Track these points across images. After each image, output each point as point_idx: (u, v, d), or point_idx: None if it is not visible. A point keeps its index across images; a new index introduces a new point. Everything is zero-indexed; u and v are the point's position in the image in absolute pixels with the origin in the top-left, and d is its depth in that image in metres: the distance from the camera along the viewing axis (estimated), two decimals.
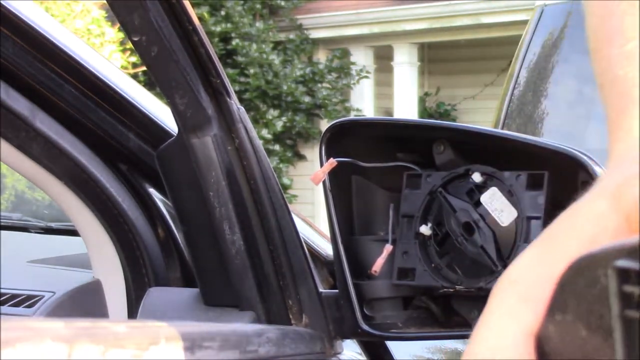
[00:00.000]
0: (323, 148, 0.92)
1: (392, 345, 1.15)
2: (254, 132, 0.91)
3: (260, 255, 0.91)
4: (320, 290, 0.93)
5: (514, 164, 0.83)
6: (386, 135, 0.92)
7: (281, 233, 0.91)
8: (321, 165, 0.91)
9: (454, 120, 10.51)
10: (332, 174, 0.90)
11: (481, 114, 9.89)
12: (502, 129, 2.89)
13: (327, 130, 0.94)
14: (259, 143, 0.92)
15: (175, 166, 0.94)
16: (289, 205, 0.93)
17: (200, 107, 0.88)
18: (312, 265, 0.93)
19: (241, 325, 0.66)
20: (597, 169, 0.78)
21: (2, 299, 1.30)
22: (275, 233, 0.91)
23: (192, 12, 0.84)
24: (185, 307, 0.97)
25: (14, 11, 0.99)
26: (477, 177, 0.86)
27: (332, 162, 0.88)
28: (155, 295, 1.01)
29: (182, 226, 0.97)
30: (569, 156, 0.79)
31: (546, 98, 2.90)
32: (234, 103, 0.90)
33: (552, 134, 2.77)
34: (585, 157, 0.78)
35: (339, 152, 0.93)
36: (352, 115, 9.70)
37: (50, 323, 0.41)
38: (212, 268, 0.93)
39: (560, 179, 0.81)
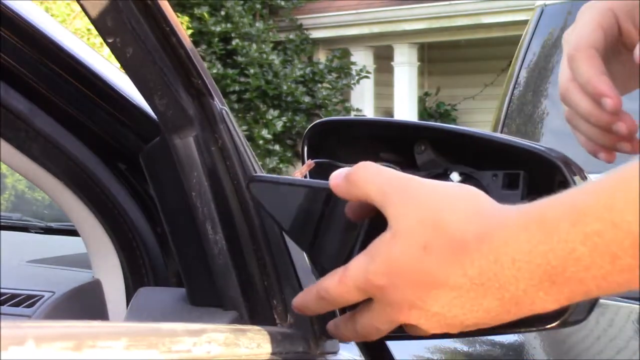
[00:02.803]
0: (305, 148, 0.92)
1: (392, 345, 1.15)
2: (237, 132, 0.91)
3: (243, 255, 0.91)
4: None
5: (494, 164, 0.84)
6: (369, 135, 0.92)
7: (265, 233, 0.91)
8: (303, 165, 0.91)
9: (454, 120, 10.52)
10: (314, 174, 0.90)
11: (481, 114, 9.89)
12: (502, 128, 2.89)
13: (308, 130, 0.94)
14: (242, 143, 0.91)
15: (158, 166, 0.94)
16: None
17: (180, 107, 0.88)
18: (297, 264, 0.93)
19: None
20: (571, 169, 0.78)
21: (2, 299, 1.30)
22: (259, 233, 0.91)
23: (171, 13, 0.83)
24: (172, 307, 0.96)
25: (14, 11, 0.99)
26: (455, 177, 0.86)
27: (310, 163, 0.88)
28: (144, 295, 1.01)
29: (167, 226, 0.97)
30: (543, 156, 0.80)
31: (546, 98, 2.90)
32: (217, 103, 0.90)
33: (552, 134, 2.77)
34: (559, 160, 0.79)
35: (322, 152, 0.93)
36: (352, 115, 9.70)
37: None
38: (196, 268, 0.93)
39: (537, 179, 0.81)
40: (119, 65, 0.88)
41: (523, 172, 0.81)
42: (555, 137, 2.72)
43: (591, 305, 0.77)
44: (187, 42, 0.85)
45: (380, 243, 0.69)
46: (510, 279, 0.62)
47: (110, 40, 0.83)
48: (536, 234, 0.60)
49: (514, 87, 2.95)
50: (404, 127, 0.93)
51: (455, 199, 0.67)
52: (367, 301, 0.73)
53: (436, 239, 0.65)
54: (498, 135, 0.87)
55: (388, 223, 0.69)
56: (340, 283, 0.72)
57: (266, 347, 0.78)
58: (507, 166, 0.82)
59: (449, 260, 0.65)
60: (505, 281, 0.63)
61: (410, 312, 0.69)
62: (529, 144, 0.83)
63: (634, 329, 1.66)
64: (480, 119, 9.64)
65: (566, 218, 0.59)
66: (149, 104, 0.88)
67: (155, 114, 0.89)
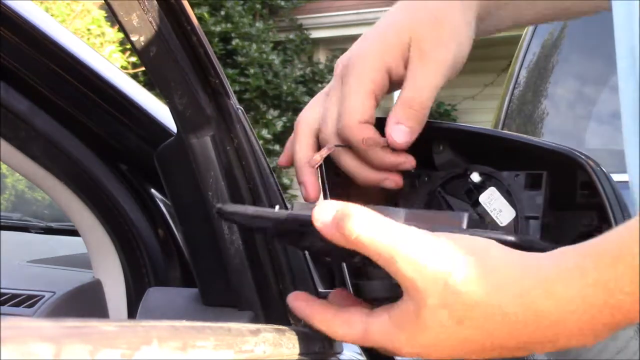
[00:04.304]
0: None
1: None
2: (252, 133, 0.91)
3: (259, 255, 0.91)
4: (320, 290, 0.93)
5: (514, 164, 0.83)
6: (385, 134, 0.91)
7: None
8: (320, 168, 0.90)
9: (454, 120, 10.51)
10: (330, 178, 0.89)
11: (481, 114, 9.88)
12: (502, 129, 2.89)
13: None
14: (258, 143, 0.92)
15: (174, 166, 0.94)
16: (287, 205, 0.93)
17: (199, 107, 0.88)
18: (311, 265, 0.93)
19: (236, 325, 0.65)
20: (596, 169, 0.77)
21: (2, 299, 1.30)
22: None
23: (191, 13, 0.84)
24: (185, 307, 0.96)
25: (14, 11, 0.99)
26: (475, 177, 0.85)
27: (331, 147, 0.87)
28: (154, 295, 1.01)
29: (181, 226, 0.97)
30: (568, 156, 0.79)
31: (546, 98, 2.90)
32: (233, 103, 0.90)
33: (552, 134, 2.77)
34: (583, 158, 0.78)
35: None
36: None
37: (37, 322, 0.40)
38: (211, 268, 0.93)
39: (559, 179, 0.81)
40: (119, 65, 0.88)
41: (546, 173, 0.81)
42: (555, 137, 2.72)
43: None
44: (206, 41, 0.86)
45: (405, 315, 0.66)
46: (544, 341, 0.62)
47: (134, 39, 0.83)
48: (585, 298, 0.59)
49: (514, 87, 2.95)
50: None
51: (473, 265, 0.62)
52: None
53: (472, 315, 0.62)
54: (519, 135, 0.86)
55: (403, 290, 0.65)
56: (363, 339, 0.69)
57: (298, 347, 0.79)
58: (528, 166, 0.82)
59: (492, 331, 0.62)
60: (544, 341, 0.62)
61: None
62: (551, 143, 0.82)
63: (634, 329, 1.66)
64: (480, 119, 9.63)
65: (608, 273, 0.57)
66: (168, 103, 0.88)
67: (173, 113, 0.89)
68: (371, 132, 0.81)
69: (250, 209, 0.83)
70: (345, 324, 0.70)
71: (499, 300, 0.61)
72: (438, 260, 0.62)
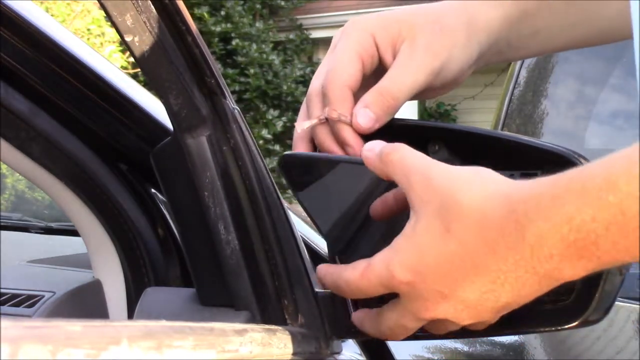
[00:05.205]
0: (317, 149, 0.92)
1: (392, 345, 1.15)
2: (249, 133, 0.91)
3: (255, 255, 0.91)
4: (316, 289, 0.92)
5: (509, 164, 0.83)
6: (381, 134, 0.91)
7: (276, 233, 0.91)
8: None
9: (454, 120, 10.52)
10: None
11: (481, 114, 9.89)
12: (502, 129, 2.89)
13: None
14: (254, 143, 0.91)
15: (170, 166, 0.94)
16: (285, 205, 0.93)
17: (194, 107, 0.88)
18: (308, 265, 0.93)
19: (220, 324, 0.65)
20: None
21: (2, 299, 1.30)
22: (271, 233, 0.90)
23: (186, 13, 0.84)
24: (182, 307, 0.96)
25: (14, 11, 0.99)
26: None
27: (319, 117, 0.87)
28: (152, 295, 1.01)
29: (178, 226, 0.97)
30: (562, 156, 0.79)
31: (546, 98, 2.90)
32: (229, 103, 0.90)
33: (552, 134, 2.77)
34: (576, 157, 0.78)
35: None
36: None
37: None
38: (207, 268, 0.93)
39: None
40: (119, 65, 0.88)
41: (540, 172, 0.81)
42: (555, 137, 2.72)
43: (610, 304, 0.77)
44: (201, 41, 0.85)
45: (403, 236, 0.68)
46: (545, 258, 0.60)
47: (128, 39, 0.83)
48: (568, 208, 0.58)
49: (514, 87, 2.95)
50: (417, 128, 0.93)
51: (472, 180, 0.66)
52: (393, 300, 0.72)
53: (459, 221, 0.64)
54: (513, 134, 0.87)
55: (410, 208, 0.69)
56: (363, 277, 0.71)
57: (290, 347, 0.78)
58: (523, 166, 0.82)
59: (475, 242, 0.63)
60: (539, 261, 0.61)
61: (440, 305, 0.67)
62: (546, 143, 0.82)
63: (634, 329, 1.66)
64: (480, 119, 9.64)
65: (599, 186, 0.57)
66: (164, 103, 0.88)
67: (169, 114, 0.89)
68: (348, 98, 0.83)
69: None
70: (351, 267, 0.73)
71: (485, 207, 0.64)
72: (445, 178, 0.67)
